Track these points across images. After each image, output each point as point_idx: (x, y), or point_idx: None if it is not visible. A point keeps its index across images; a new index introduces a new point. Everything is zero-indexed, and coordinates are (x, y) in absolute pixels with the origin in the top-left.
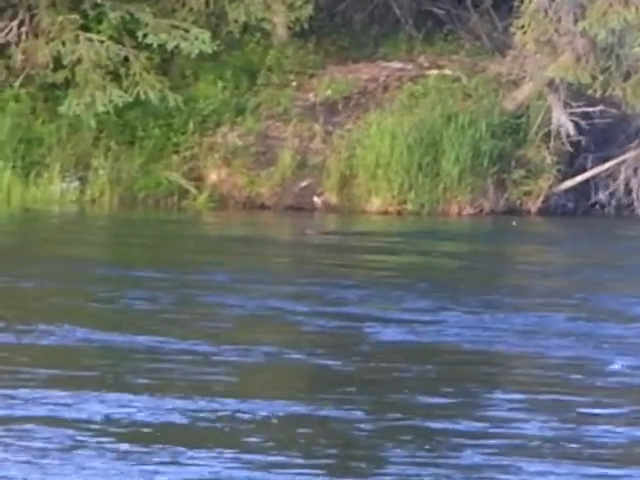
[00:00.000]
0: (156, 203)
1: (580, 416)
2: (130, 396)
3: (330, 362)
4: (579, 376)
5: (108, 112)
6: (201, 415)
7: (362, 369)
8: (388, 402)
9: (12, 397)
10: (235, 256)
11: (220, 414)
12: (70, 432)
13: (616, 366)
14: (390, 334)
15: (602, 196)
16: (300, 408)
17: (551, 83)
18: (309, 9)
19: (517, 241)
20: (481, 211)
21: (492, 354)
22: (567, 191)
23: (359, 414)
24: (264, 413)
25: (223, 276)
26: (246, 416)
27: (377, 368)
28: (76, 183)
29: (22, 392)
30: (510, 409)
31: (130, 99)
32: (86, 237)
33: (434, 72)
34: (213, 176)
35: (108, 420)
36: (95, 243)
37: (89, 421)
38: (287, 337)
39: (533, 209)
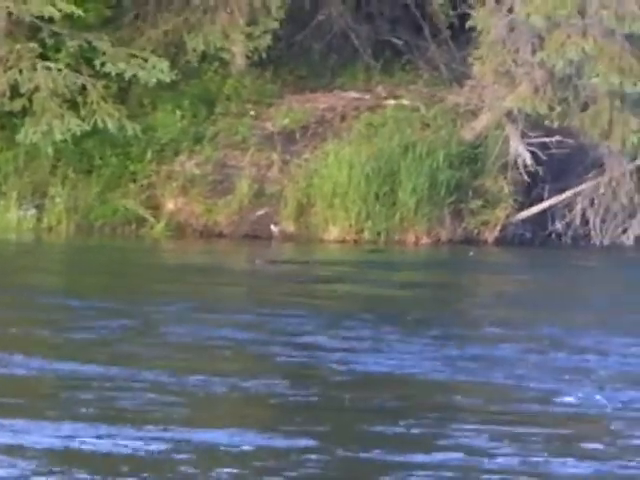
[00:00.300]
0: (113, 231)
1: (540, 447)
2: (82, 425)
3: (286, 391)
4: (536, 406)
5: (65, 140)
6: (154, 444)
7: (317, 398)
8: (344, 432)
9: None
10: (190, 285)
11: (173, 444)
12: (23, 461)
13: (570, 398)
14: (343, 364)
15: (559, 226)
16: (255, 438)
17: (509, 113)
18: (267, 39)
19: (473, 270)
20: (438, 240)
21: (445, 384)
22: (524, 221)
23: (314, 444)
24: (220, 442)
25: (178, 305)
26: (200, 446)
27: (332, 397)
28: (33, 211)
29: None
30: (469, 439)
31: (88, 128)
32: (42, 265)
33: (392, 102)
34: (170, 204)
35: (62, 449)
36: (51, 271)
37: (41, 450)
38: (241, 366)
39: (490, 239)
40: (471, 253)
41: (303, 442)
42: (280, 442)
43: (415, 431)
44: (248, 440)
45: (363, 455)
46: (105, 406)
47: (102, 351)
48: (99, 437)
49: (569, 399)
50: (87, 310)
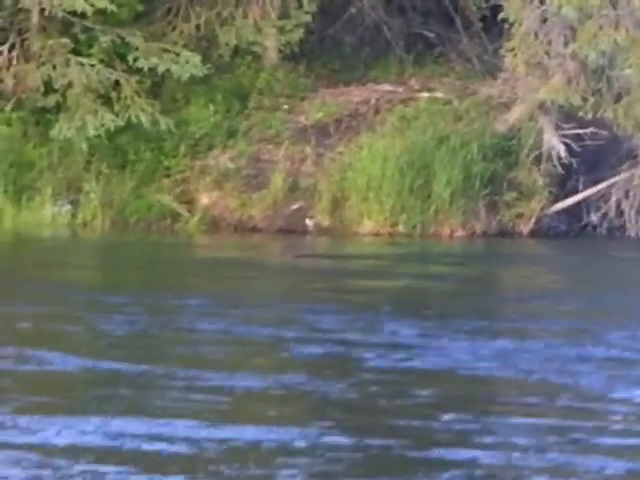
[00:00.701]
0: (148, 226)
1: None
2: (120, 422)
3: (324, 388)
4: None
5: (99, 136)
6: (189, 441)
7: (357, 395)
8: (380, 428)
9: None
10: (224, 280)
11: (209, 440)
12: (58, 460)
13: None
14: (381, 360)
15: (594, 218)
16: (292, 435)
17: (542, 105)
18: (300, 32)
19: (509, 263)
20: (473, 233)
21: (484, 379)
22: (559, 213)
23: (349, 441)
24: (254, 438)
25: (211, 300)
26: (236, 442)
27: (372, 393)
28: (68, 207)
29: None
30: (509, 435)
31: (121, 123)
32: (77, 261)
33: (425, 95)
34: (205, 199)
35: (106, 447)
36: (86, 267)
37: (86, 448)
38: (276, 363)
39: (525, 231)
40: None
41: (339, 439)
42: (316, 438)
43: (457, 427)
44: (284, 437)
45: (398, 451)
46: (143, 403)
47: (136, 347)
48: (137, 435)
49: (619, 395)
50: (121, 306)
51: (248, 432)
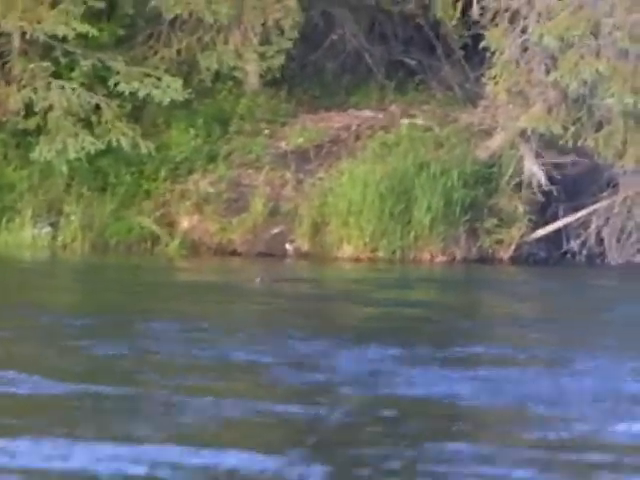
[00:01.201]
0: (128, 249)
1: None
2: (100, 447)
3: (301, 414)
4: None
5: (80, 159)
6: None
7: (330, 422)
8: (361, 460)
9: None
10: (200, 304)
11: (191, 465)
12: None
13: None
14: (358, 386)
15: (574, 245)
16: (268, 462)
17: (523, 133)
18: (281, 58)
19: (487, 289)
20: (453, 259)
21: (465, 407)
22: (539, 240)
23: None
24: (231, 465)
25: (186, 324)
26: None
27: (349, 422)
28: (48, 229)
29: None
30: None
31: (102, 146)
32: (55, 283)
33: (406, 121)
34: (185, 223)
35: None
36: (63, 289)
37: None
38: (253, 387)
39: (505, 257)
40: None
41: (317, 469)
42: (293, 468)
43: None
44: (266, 465)
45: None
46: (119, 428)
47: (110, 370)
48: (112, 458)
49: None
50: (94, 328)
51: (230, 458)
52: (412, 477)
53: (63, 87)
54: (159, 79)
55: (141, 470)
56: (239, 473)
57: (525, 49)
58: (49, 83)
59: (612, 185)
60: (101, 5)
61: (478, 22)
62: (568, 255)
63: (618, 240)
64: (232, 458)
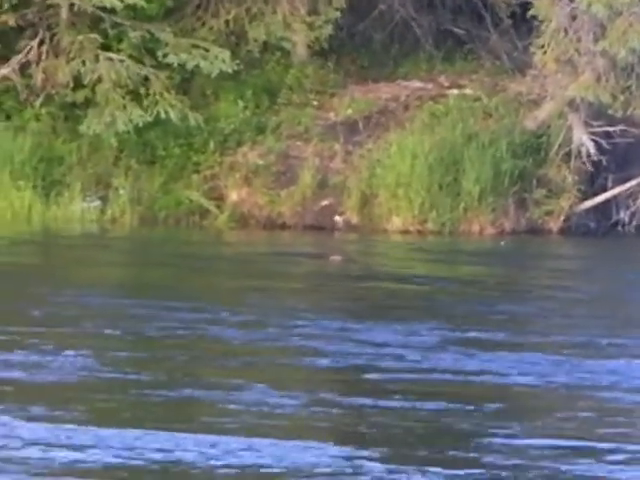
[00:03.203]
0: (177, 222)
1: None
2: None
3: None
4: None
5: (128, 131)
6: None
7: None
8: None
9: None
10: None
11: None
12: None
13: None
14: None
15: (623, 215)
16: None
17: (572, 103)
18: (329, 28)
19: (533, 262)
20: (502, 231)
21: (518, 388)
22: (588, 211)
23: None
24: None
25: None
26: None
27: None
28: (97, 202)
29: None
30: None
31: (150, 119)
32: (102, 258)
33: (454, 91)
34: (234, 195)
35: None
36: (114, 265)
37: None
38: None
39: (554, 229)
40: (502, 243)
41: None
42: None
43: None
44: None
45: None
46: (170, 415)
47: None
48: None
49: None
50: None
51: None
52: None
53: (111, 59)
54: (207, 50)
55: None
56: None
57: (573, 17)
58: (97, 55)
59: None
60: None
61: None
62: (618, 226)
63: None
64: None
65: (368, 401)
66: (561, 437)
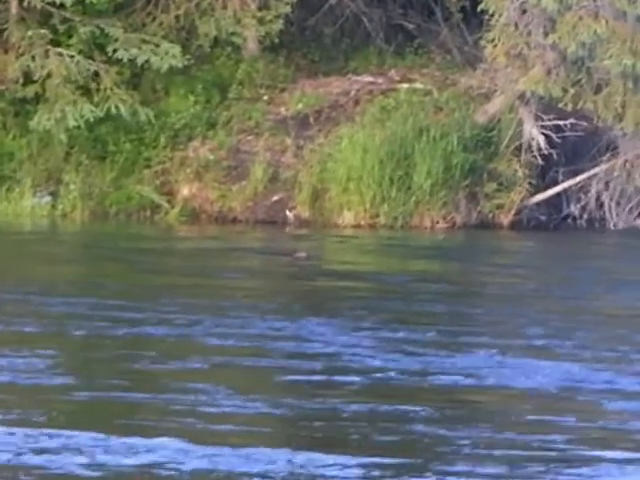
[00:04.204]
0: (128, 217)
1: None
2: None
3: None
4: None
5: (79, 127)
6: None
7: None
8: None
9: None
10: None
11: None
12: None
13: None
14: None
15: (574, 209)
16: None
17: (522, 96)
18: (279, 23)
19: (482, 258)
20: (454, 225)
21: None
22: (539, 204)
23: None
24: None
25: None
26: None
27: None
28: (48, 198)
29: None
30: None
31: (101, 114)
32: (50, 254)
33: (405, 86)
34: (185, 190)
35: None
36: (60, 261)
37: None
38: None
39: (505, 222)
40: (441, 237)
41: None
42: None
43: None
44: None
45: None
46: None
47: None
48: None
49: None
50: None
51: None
52: None
53: (61, 54)
54: (157, 46)
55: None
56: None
57: (523, 11)
58: (47, 51)
59: (612, 148)
60: None
61: None
62: (569, 219)
63: (618, 204)
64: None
65: (320, 404)
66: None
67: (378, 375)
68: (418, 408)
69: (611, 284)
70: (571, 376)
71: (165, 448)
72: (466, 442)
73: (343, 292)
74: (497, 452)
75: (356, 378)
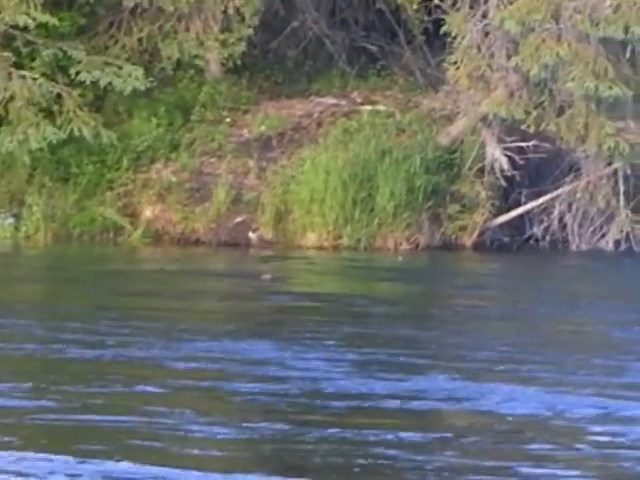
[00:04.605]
0: (91, 239)
1: None
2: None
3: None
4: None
5: (42, 149)
6: None
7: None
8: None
9: None
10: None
11: None
12: None
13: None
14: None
15: (537, 231)
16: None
17: (485, 118)
18: (242, 46)
19: (444, 279)
20: (417, 246)
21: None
22: (502, 226)
23: None
24: None
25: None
26: None
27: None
28: (10, 220)
29: None
30: None
31: (64, 136)
32: (8, 276)
33: (368, 108)
34: (148, 212)
35: None
36: (17, 282)
37: None
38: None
39: (468, 244)
40: (400, 258)
41: None
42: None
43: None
44: None
45: None
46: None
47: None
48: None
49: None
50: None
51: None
52: None
53: (24, 77)
54: (120, 68)
55: None
56: None
57: (486, 34)
58: (10, 73)
59: (574, 170)
60: None
61: (439, 7)
62: (531, 241)
63: (581, 226)
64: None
65: (288, 427)
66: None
67: (337, 398)
68: (382, 432)
69: (573, 305)
70: (532, 399)
71: (128, 472)
72: (432, 467)
73: (307, 314)
74: (461, 478)
75: (317, 401)
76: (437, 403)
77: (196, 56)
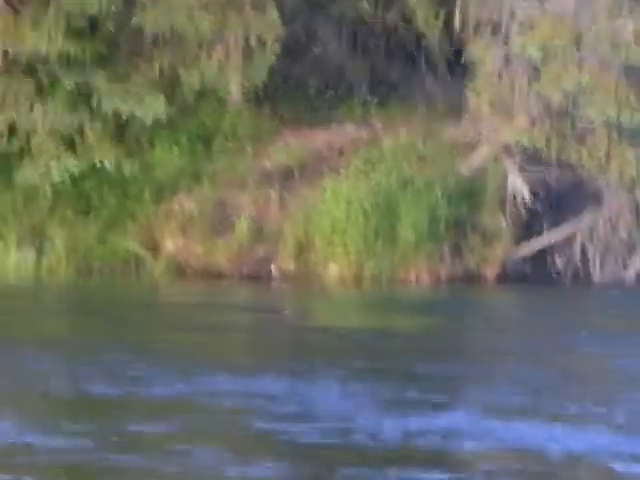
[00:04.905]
0: (112, 272)
1: None
2: None
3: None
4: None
5: (63, 181)
6: None
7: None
8: None
9: None
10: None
11: None
12: None
13: None
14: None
15: (559, 262)
16: None
17: (506, 147)
18: (264, 73)
19: (465, 314)
20: (439, 278)
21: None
22: (524, 258)
23: None
24: None
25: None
26: None
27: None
28: (32, 253)
29: None
30: None
31: (85, 167)
32: (29, 310)
33: (389, 136)
34: (170, 244)
35: None
36: (39, 317)
37: None
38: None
39: (490, 276)
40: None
41: None
42: None
43: None
44: None
45: None
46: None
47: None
48: None
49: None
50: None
51: None
52: None
53: (46, 108)
54: (142, 97)
55: None
56: None
57: (507, 60)
58: (32, 104)
59: (596, 199)
60: (83, 23)
61: (460, 34)
62: (553, 272)
63: (603, 257)
64: None
65: (320, 467)
66: None
67: (360, 436)
68: (414, 472)
69: (597, 340)
70: (567, 438)
71: None
72: None
73: (329, 350)
74: None
75: (345, 440)
76: (465, 442)
77: (218, 84)
